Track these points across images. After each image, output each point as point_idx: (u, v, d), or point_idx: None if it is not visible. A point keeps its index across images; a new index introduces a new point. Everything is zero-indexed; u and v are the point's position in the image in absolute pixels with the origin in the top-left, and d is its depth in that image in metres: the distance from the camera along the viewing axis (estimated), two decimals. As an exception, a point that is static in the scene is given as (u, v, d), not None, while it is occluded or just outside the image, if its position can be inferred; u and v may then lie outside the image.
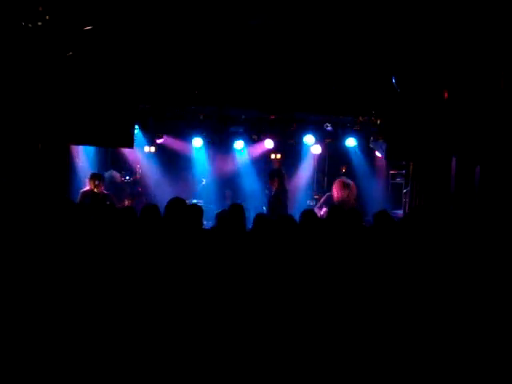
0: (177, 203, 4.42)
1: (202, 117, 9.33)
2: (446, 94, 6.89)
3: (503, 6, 5.82)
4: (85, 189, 7.59)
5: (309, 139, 9.97)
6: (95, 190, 7.44)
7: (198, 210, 4.46)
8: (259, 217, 4.73)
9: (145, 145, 10.00)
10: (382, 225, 4.35)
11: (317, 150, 10.58)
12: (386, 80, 7.49)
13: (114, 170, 10.08)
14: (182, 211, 4.32)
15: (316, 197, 10.72)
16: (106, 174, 8.88)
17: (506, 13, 5.81)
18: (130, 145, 7.40)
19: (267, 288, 3.61)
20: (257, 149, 10.83)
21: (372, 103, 8.25)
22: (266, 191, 10.78)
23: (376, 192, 10.65)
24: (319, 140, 10.30)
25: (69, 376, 3.14)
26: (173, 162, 10.59)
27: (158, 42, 6.99)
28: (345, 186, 7.93)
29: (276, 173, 8.38)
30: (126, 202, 7.95)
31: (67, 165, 7.53)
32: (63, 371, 3.14)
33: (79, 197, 7.54)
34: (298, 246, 4.07)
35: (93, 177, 7.55)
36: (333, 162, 11.47)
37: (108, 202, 7.44)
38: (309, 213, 4.66)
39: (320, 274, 3.72)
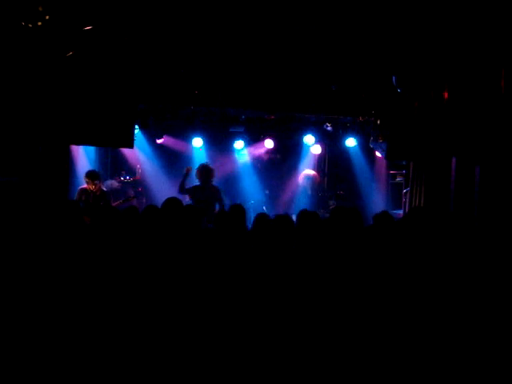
0: (172, 203, 4.43)
1: (202, 117, 9.34)
2: (446, 94, 6.88)
3: (503, 6, 5.82)
4: (83, 186, 7.60)
5: (309, 139, 9.99)
6: (90, 188, 7.45)
7: (195, 210, 4.46)
8: (259, 217, 4.74)
9: (145, 145, 10.03)
10: (382, 225, 4.35)
11: (317, 149, 10.60)
12: (386, 80, 7.49)
13: (114, 169, 10.10)
14: (179, 211, 4.32)
15: (317, 195, 10.74)
16: (105, 185, 8.89)
17: (506, 13, 5.81)
18: (130, 145, 7.39)
19: (267, 288, 3.61)
20: (257, 149, 10.85)
21: (372, 103, 8.26)
22: (267, 191, 10.81)
23: (376, 192, 10.67)
24: (319, 140, 10.32)
25: (69, 376, 3.14)
26: (173, 162, 10.60)
27: (158, 41, 6.99)
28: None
29: None
30: (116, 204, 7.91)
31: (67, 165, 7.52)
32: (63, 371, 3.15)
33: (76, 194, 7.55)
34: (297, 246, 4.08)
35: (86, 175, 7.54)
36: (333, 162, 11.49)
37: (103, 201, 7.46)
38: (307, 213, 4.66)
39: (320, 273, 3.72)
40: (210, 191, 7.82)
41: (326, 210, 9.72)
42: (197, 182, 8.03)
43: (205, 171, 7.96)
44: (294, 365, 3.25)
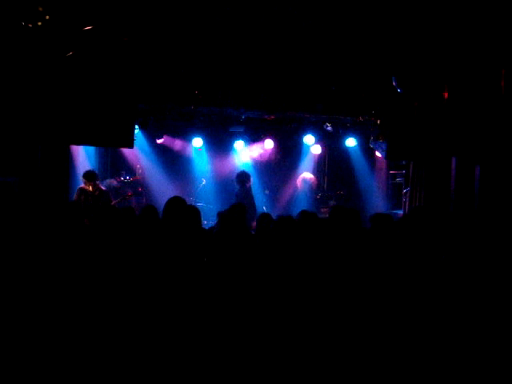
0: (176, 202, 4.43)
1: (202, 117, 9.33)
2: (446, 94, 6.89)
3: (503, 6, 5.82)
4: (82, 185, 7.60)
5: (309, 139, 9.99)
6: (88, 188, 7.45)
7: (195, 211, 4.46)
8: (261, 216, 4.75)
9: (145, 145, 10.02)
10: (381, 225, 4.35)
11: (317, 150, 10.60)
12: (386, 80, 7.49)
13: (114, 169, 10.09)
14: (182, 210, 4.32)
15: (317, 197, 10.75)
16: (104, 183, 8.89)
17: (506, 13, 5.81)
18: (130, 145, 7.38)
19: (267, 288, 3.61)
20: (257, 149, 10.85)
21: (372, 103, 8.25)
22: (267, 191, 10.82)
23: (376, 192, 10.67)
24: (319, 140, 10.32)
25: (69, 376, 3.14)
26: (173, 162, 10.60)
27: (158, 42, 6.99)
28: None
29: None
30: (114, 202, 7.90)
31: (67, 165, 7.51)
32: (63, 371, 3.14)
33: (75, 193, 7.54)
34: (298, 246, 4.07)
35: (83, 176, 7.54)
36: (333, 162, 11.49)
37: (101, 202, 7.45)
38: (307, 213, 4.67)
39: (320, 273, 3.72)
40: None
41: (326, 210, 9.74)
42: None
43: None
44: (294, 363, 3.25)
